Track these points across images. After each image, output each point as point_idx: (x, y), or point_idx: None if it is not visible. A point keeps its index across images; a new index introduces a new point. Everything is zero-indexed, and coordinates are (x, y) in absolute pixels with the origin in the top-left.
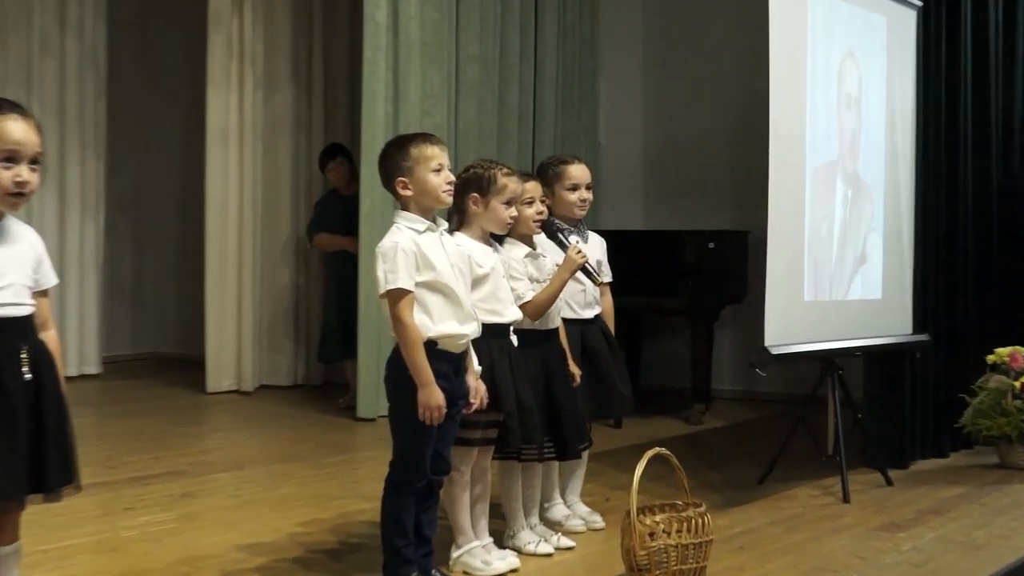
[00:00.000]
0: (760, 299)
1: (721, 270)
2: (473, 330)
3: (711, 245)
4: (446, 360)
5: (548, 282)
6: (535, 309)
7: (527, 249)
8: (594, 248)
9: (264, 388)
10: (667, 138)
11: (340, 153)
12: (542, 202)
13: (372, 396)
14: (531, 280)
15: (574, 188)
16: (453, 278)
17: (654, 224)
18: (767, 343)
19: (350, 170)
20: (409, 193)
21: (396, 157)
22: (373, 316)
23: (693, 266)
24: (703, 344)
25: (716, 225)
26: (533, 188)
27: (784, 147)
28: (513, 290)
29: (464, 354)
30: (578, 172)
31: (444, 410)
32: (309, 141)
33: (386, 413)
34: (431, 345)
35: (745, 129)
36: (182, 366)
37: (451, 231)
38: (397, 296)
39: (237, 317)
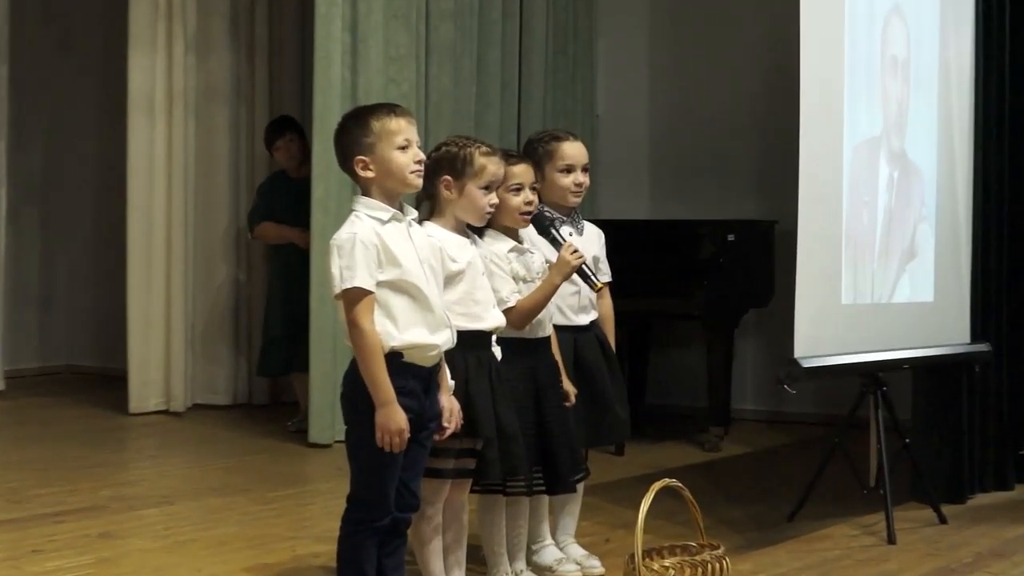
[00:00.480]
0: (789, 302)
1: (743, 267)
2: (446, 339)
3: (731, 238)
4: (413, 375)
5: (537, 282)
6: (520, 317)
7: (512, 243)
8: (591, 243)
9: (198, 408)
10: (678, 110)
11: (289, 128)
12: (533, 190)
13: (327, 417)
14: (517, 279)
15: (568, 170)
16: (422, 276)
17: (662, 213)
18: (797, 354)
19: (301, 148)
20: (370, 175)
21: (354, 132)
22: (327, 321)
23: (709, 263)
24: (721, 356)
25: (737, 214)
26: (523, 172)
27: (818, 121)
28: (495, 292)
29: (435, 368)
30: (573, 151)
31: (406, 435)
32: (251, 114)
33: (343, 438)
34: (395, 357)
35: (772, 99)
36: (100, 382)
37: (421, 220)
38: (354, 297)
39: (165, 323)
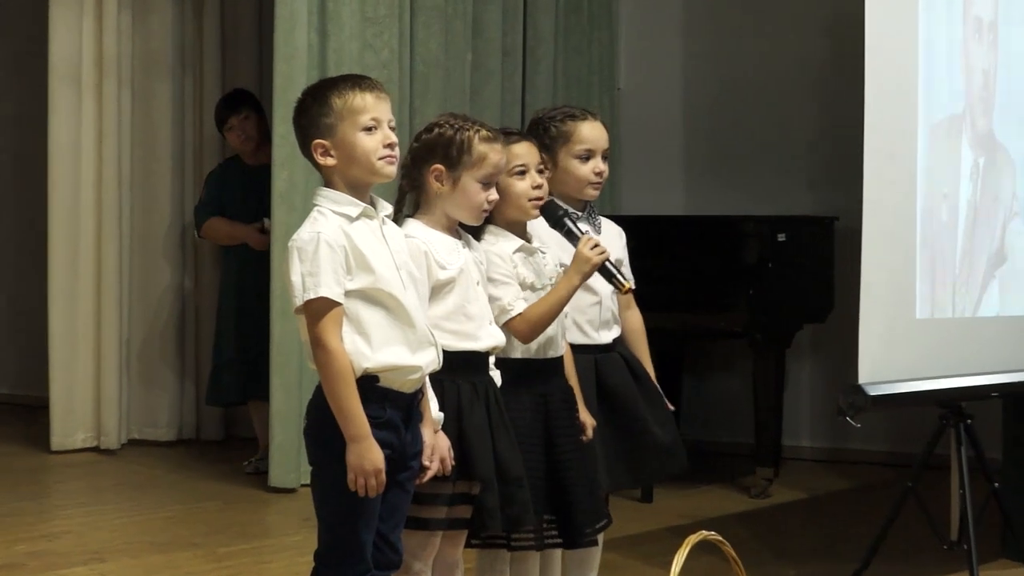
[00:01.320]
0: (852, 316)
1: (796, 274)
2: (430, 360)
3: (781, 238)
4: (391, 403)
5: (548, 289)
6: (530, 326)
7: (518, 241)
8: (611, 243)
9: (136, 444)
10: (718, 81)
11: (244, 104)
12: (540, 172)
13: (291, 456)
14: (524, 286)
15: (586, 156)
16: (400, 284)
17: (697, 208)
18: (862, 380)
19: (259, 128)
20: (331, 162)
21: (313, 111)
22: (291, 339)
23: (755, 268)
24: (770, 382)
25: (789, 209)
26: (526, 152)
27: (886, 96)
28: (497, 300)
29: (418, 395)
30: (591, 132)
31: (383, 475)
32: (199, 87)
33: (309, 481)
34: (369, 381)
35: (833, 70)
36: (16, 413)
37: (402, 217)
38: (319, 309)
39: (94, 341)
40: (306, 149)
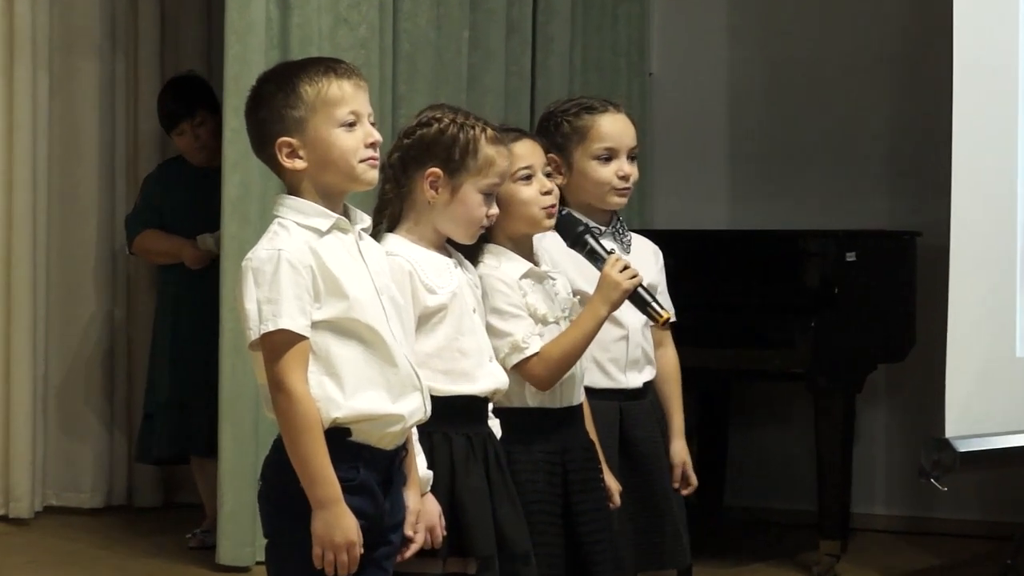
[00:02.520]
0: (938, 354)
1: (868, 302)
2: (415, 408)
3: (850, 257)
4: (366, 462)
5: (567, 322)
6: (549, 369)
7: (526, 264)
8: (644, 264)
9: (53, 512)
10: (771, 65)
11: (201, 104)
12: (549, 176)
13: (243, 527)
14: (535, 319)
15: (607, 157)
16: (380, 314)
17: (747, 220)
18: (950, 433)
19: (217, 134)
20: (299, 165)
21: (276, 102)
22: (244, 381)
23: (818, 295)
24: (836, 435)
25: (860, 222)
26: (528, 151)
27: (979, 88)
28: (507, 336)
29: (400, 453)
30: (612, 127)
31: (356, 550)
32: (132, 69)
33: (265, 558)
34: (340, 434)
35: (914, 48)
36: None
37: (378, 231)
38: (279, 345)
39: (3, 386)
40: (264, 148)
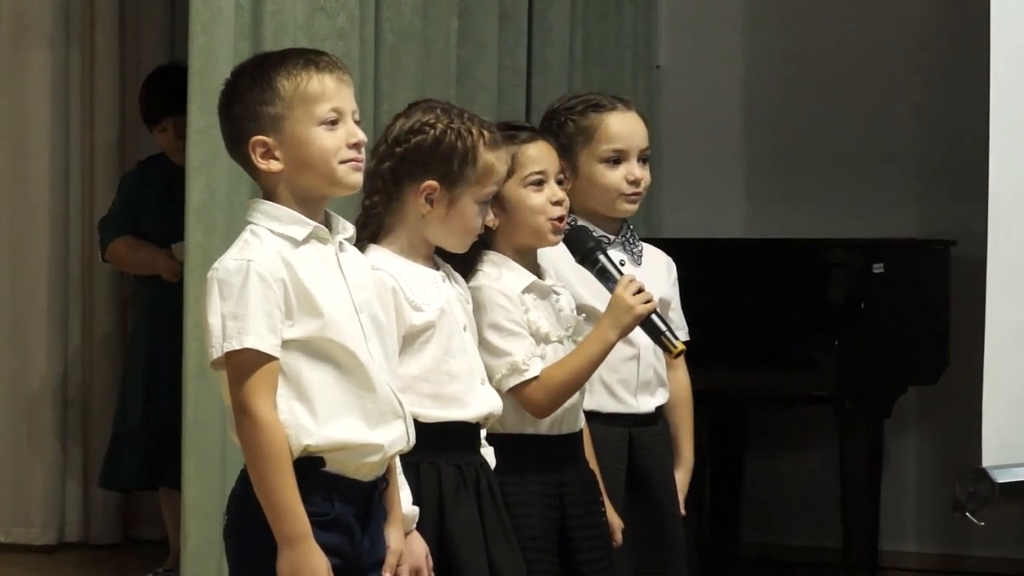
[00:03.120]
0: (974, 375)
1: (898, 318)
2: (396, 437)
3: (878, 269)
4: (342, 495)
5: (570, 341)
6: (550, 395)
7: (530, 277)
8: (657, 277)
9: (1, 550)
10: (792, 58)
11: (185, 86)
12: (561, 183)
13: (208, 566)
14: (536, 338)
15: (616, 159)
16: (359, 333)
17: (765, 228)
18: (987, 462)
19: None
20: (275, 167)
21: (252, 96)
22: (210, 405)
23: (843, 310)
24: (863, 464)
25: (888, 230)
26: (543, 155)
27: (1018, 81)
28: (506, 356)
29: (379, 485)
30: (621, 126)
31: None
32: (89, 62)
33: None
34: (311, 465)
35: (947, 40)
36: None
37: (362, 241)
38: (245, 365)
39: None
40: (238, 148)
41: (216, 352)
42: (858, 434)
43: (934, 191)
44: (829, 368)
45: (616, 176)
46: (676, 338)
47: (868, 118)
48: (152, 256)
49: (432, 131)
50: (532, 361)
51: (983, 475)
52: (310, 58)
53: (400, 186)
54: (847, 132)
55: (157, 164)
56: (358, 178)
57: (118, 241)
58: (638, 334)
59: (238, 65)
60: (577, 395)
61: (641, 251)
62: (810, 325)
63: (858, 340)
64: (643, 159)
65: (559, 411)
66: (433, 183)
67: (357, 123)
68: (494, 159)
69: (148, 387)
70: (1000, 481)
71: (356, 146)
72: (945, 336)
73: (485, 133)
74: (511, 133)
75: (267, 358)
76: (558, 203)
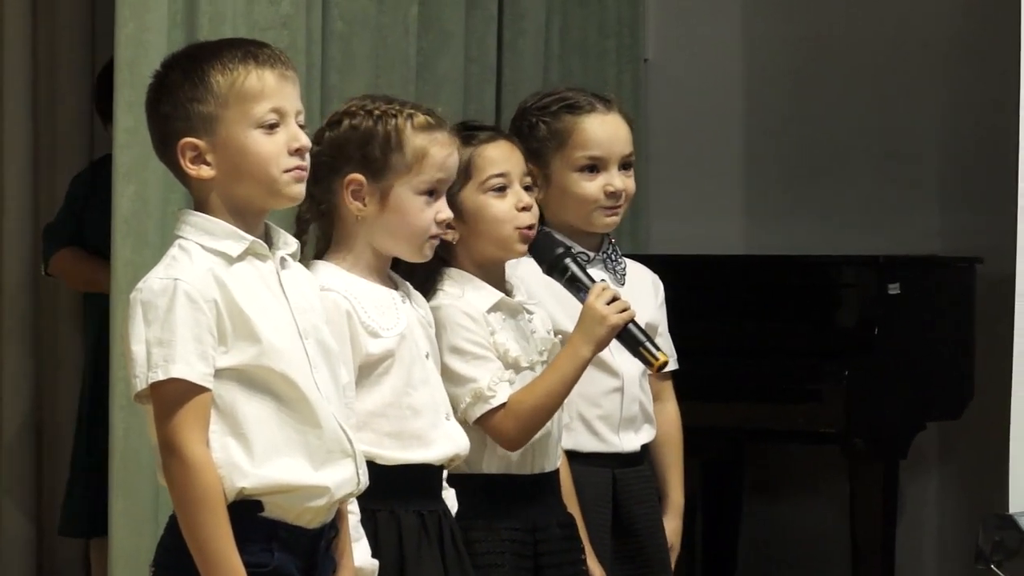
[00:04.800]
0: (1000, 409)
1: (917, 345)
2: (345, 479)
3: (894, 290)
4: (283, 544)
5: (543, 366)
6: (520, 424)
7: (496, 294)
8: (643, 297)
9: None
10: (796, 51)
11: None
12: (529, 188)
13: None
14: (505, 363)
15: (592, 167)
16: (303, 361)
17: (766, 244)
18: (1015, 508)
19: None
20: (207, 173)
21: (182, 93)
22: (138, 444)
23: (854, 336)
24: (876, 509)
25: (906, 247)
26: (504, 155)
27: None
28: (469, 382)
29: (327, 533)
30: (600, 130)
31: None
32: (50, 45)
33: None
34: (247, 509)
35: (971, 35)
36: None
37: (306, 257)
38: (171, 397)
39: None
40: (166, 151)
41: (140, 383)
42: (870, 476)
43: (958, 202)
44: (838, 402)
45: (593, 187)
46: (658, 349)
47: (884, 119)
48: (96, 270)
49: (350, 120)
50: (499, 387)
51: (1010, 522)
52: (249, 50)
53: (324, 185)
54: (860, 135)
55: (110, 165)
56: (300, 189)
57: (63, 252)
58: (623, 363)
59: (169, 56)
60: (553, 429)
61: (624, 269)
62: (817, 353)
63: (871, 370)
64: (626, 166)
65: (529, 447)
66: (356, 176)
67: (302, 126)
68: (426, 142)
69: (93, 422)
70: None
71: (299, 152)
72: (969, 366)
73: (416, 115)
74: (468, 133)
75: (197, 389)
76: (525, 209)
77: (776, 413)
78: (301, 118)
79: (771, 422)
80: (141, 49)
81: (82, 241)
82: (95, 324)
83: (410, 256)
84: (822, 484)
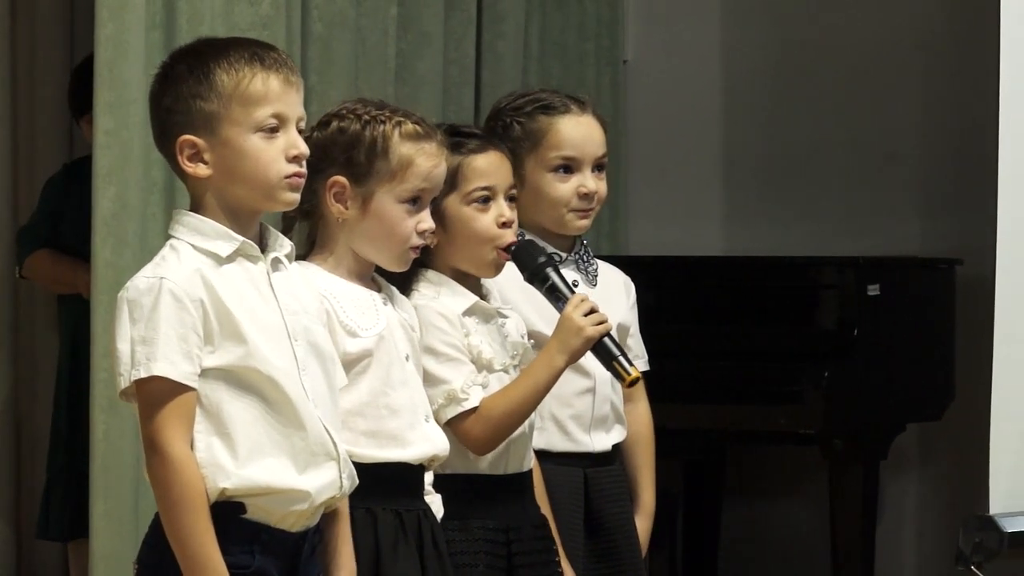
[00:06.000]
0: (980, 411)
1: (896, 346)
2: (328, 483)
3: (873, 291)
4: (264, 546)
5: (517, 371)
6: (490, 428)
7: (471, 298)
8: (614, 299)
9: None
10: (776, 52)
11: None
12: (511, 200)
13: None
14: (479, 365)
15: (567, 167)
16: (291, 363)
17: (745, 245)
18: (995, 509)
19: None
20: (203, 172)
21: (185, 88)
22: (119, 445)
23: (834, 338)
24: (856, 510)
25: (886, 248)
26: (492, 167)
27: None
28: (442, 383)
29: (310, 537)
30: (574, 131)
31: None
32: (29, 45)
33: None
34: (229, 510)
35: (950, 35)
36: None
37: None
38: (155, 396)
39: None
40: (165, 145)
41: (124, 381)
42: (850, 477)
43: (938, 203)
44: (818, 403)
45: (566, 188)
46: (631, 364)
47: (864, 120)
48: (72, 271)
49: (338, 122)
50: (472, 390)
51: (990, 524)
52: (256, 52)
53: (310, 185)
54: (840, 136)
55: (85, 167)
56: (295, 196)
57: (38, 254)
58: (595, 363)
59: (177, 49)
60: (526, 429)
61: (596, 270)
62: (796, 354)
63: (851, 371)
64: (599, 167)
65: (502, 447)
66: (340, 178)
67: (303, 132)
68: (412, 151)
69: (71, 424)
70: (1009, 531)
71: (296, 159)
72: (949, 367)
73: (404, 123)
74: (457, 140)
75: (181, 388)
76: (506, 224)
77: (756, 414)
78: (302, 124)
79: (751, 423)
80: (120, 50)
81: (57, 243)
82: (69, 327)
83: (389, 264)
84: (802, 485)
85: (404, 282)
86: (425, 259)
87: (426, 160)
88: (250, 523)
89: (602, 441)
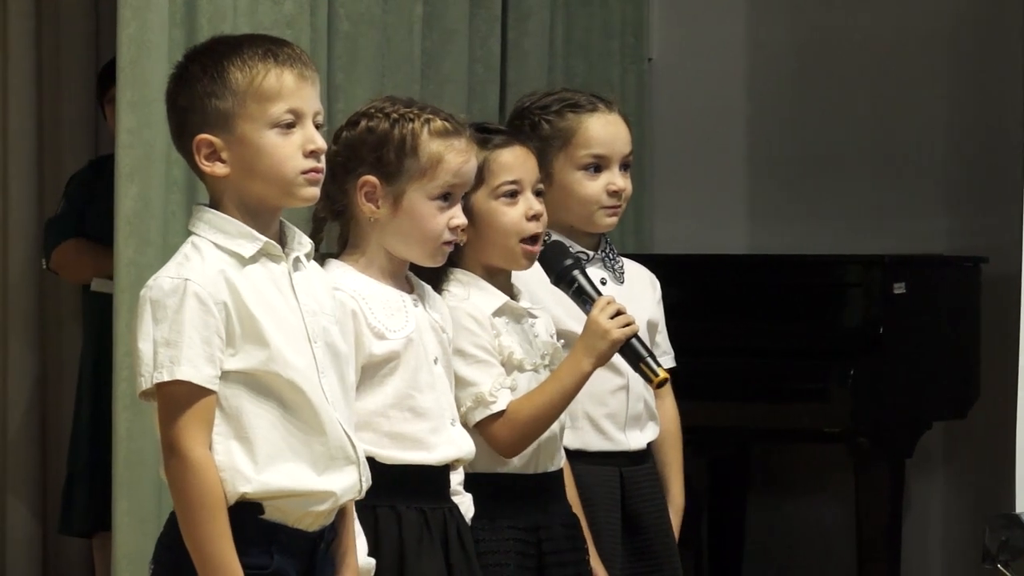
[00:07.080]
0: (1007, 409)
1: (922, 344)
2: (348, 486)
3: (899, 289)
4: (282, 547)
5: (546, 371)
6: (517, 431)
7: (502, 297)
8: (641, 297)
9: None
10: (801, 51)
11: None
12: (538, 194)
13: None
14: (508, 366)
15: (595, 166)
16: (311, 368)
17: (771, 243)
18: (1021, 507)
19: None
20: (221, 171)
21: (200, 87)
22: (142, 443)
23: (859, 336)
24: (881, 509)
25: (912, 246)
26: (519, 162)
27: None
28: (471, 386)
29: (326, 535)
30: (603, 130)
31: None
32: (54, 43)
33: None
34: (248, 512)
35: (979, 30)
36: None
37: (322, 258)
38: (176, 398)
39: None
40: (182, 144)
41: (145, 382)
42: (876, 475)
43: (964, 201)
44: (843, 401)
45: (596, 186)
46: (659, 365)
47: (889, 118)
48: (101, 261)
49: (367, 121)
50: (500, 393)
51: (1016, 522)
52: (270, 48)
53: (340, 185)
54: (864, 133)
55: (111, 163)
56: (314, 191)
57: (66, 245)
58: (621, 364)
59: (191, 48)
60: (556, 430)
61: (622, 267)
62: (822, 353)
63: (876, 370)
64: (626, 166)
65: (532, 447)
66: (370, 178)
67: (320, 127)
68: (442, 148)
69: (95, 419)
70: None
71: (314, 154)
72: (975, 365)
73: (433, 120)
74: (483, 136)
75: (202, 391)
76: (535, 218)
77: (782, 412)
78: (320, 119)
79: (777, 421)
80: (143, 49)
81: (84, 235)
82: (94, 322)
83: (422, 260)
84: (828, 483)
85: (435, 282)
86: (455, 257)
87: (456, 156)
88: (268, 523)
89: (637, 439)
